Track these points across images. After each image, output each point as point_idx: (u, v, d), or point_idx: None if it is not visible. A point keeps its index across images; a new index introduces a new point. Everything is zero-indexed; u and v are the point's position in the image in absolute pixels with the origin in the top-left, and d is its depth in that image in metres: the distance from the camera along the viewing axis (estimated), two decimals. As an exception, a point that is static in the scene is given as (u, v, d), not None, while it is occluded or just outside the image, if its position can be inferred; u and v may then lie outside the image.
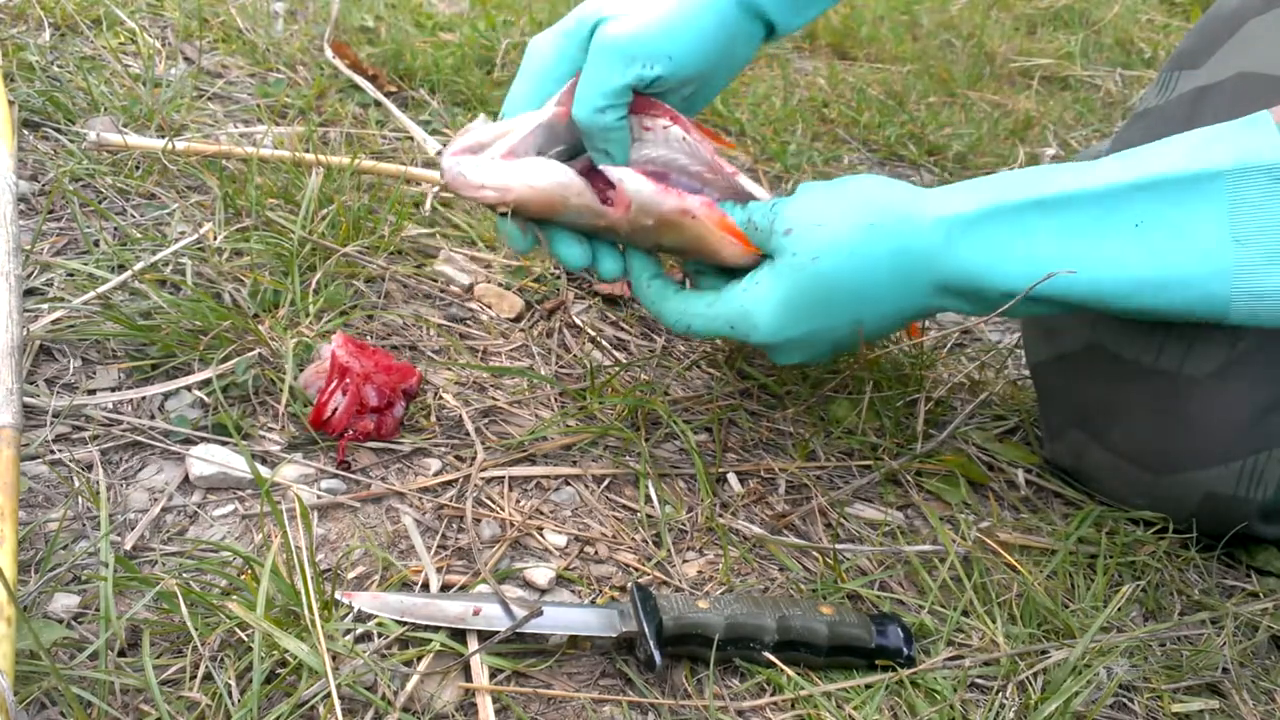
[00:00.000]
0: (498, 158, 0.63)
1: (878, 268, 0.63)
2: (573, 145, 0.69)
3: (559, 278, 0.89)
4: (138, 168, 0.87)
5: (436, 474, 0.67)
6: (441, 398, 0.73)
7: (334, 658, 0.51)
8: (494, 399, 0.74)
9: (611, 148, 0.67)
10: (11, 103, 0.87)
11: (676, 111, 0.69)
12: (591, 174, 0.68)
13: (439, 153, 0.66)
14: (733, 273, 0.69)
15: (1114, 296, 0.61)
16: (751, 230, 0.67)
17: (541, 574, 0.61)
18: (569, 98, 0.67)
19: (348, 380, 0.66)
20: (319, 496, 0.63)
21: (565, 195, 0.65)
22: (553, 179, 0.64)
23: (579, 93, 0.66)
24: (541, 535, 0.64)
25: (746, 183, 0.71)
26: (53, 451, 0.62)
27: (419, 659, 0.53)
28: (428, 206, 0.94)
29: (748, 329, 0.66)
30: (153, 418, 0.66)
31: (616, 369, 0.79)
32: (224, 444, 0.64)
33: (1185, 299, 0.60)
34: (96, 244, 0.77)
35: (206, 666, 0.50)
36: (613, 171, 0.66)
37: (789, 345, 0.67)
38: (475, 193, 0.64)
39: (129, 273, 0.72)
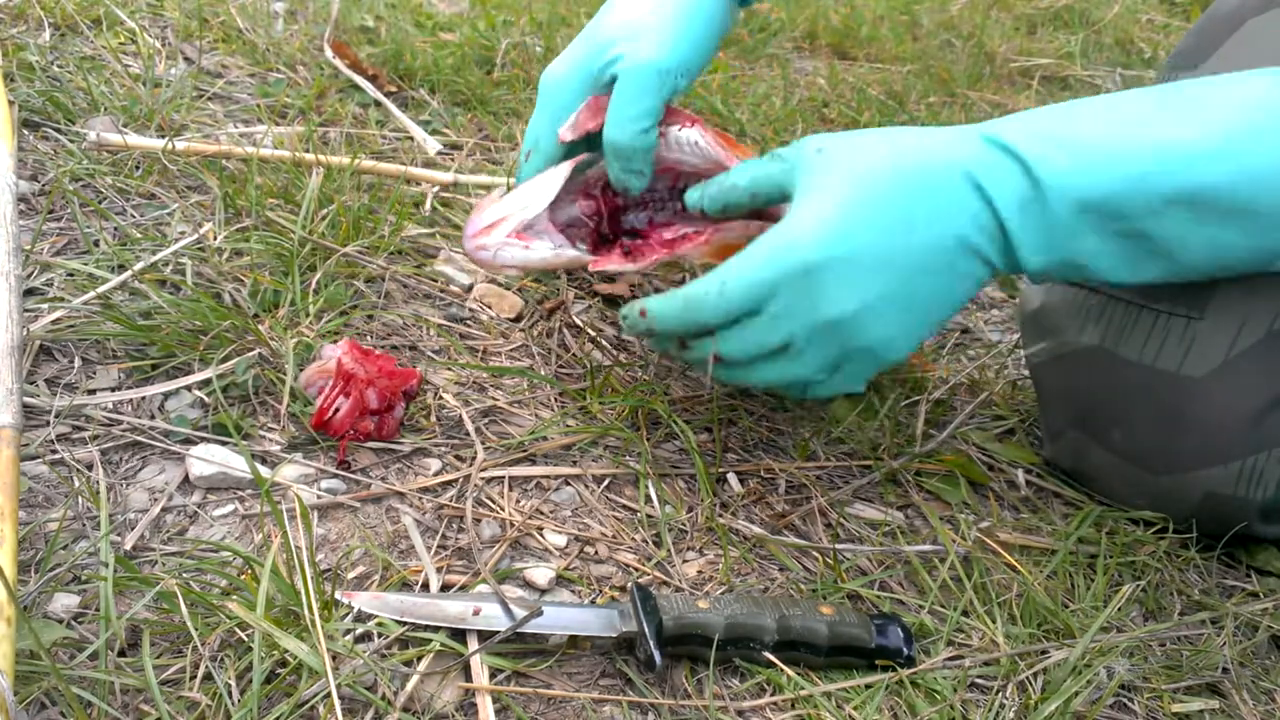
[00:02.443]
0: (513, 238, 0.69)
1: (926, 164, 0.60)
2: (585, 164, 0.74)
3: (559, 278, 0.89)
4: (138, 168, 0.87)
5: (436, 474, 0.67)
6: (441, 398, 0.73)
7: (334, 658, 0.51)
8: (494, 399, 0.74)
9: (643, 164, 0.71)
10: (11, 103, 0.87)
11: (694, 115, 0.74)
12: (598, 215, 0.75)
13: (466, 234, 0.72)
14: None
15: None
16: (770, 172, 0.64)
17: (541, 574, 0.61)
18: (589, 121, 0.71)
19: (350, 385, 0.66)
20: (319, 496, 0.63)
21: (573, 265, 0.72)
22: (562, 259, 0.70)
23: (615, 117, 0.69)
24: (541, 535, 0.64)
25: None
26: (53, 451, 0.62)
27: (419, 659, 0.53)
28: (428, 206, 0.94)
29: (794, 260, 0.58)
30: (153, 418, 0.66)
31: (615, 368, 0.79)
32: (224, 444, 0.64)
33: None
34: (96, 244, 0.77)
35: (206, 666, 0.50)
36: (604, 269, 0.71)
37: (857, 275, 0.58)
38: (497, 271, 0.75)
39: (129, 273, 0.72)
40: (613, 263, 0.71)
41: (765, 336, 0.61)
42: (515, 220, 0.70)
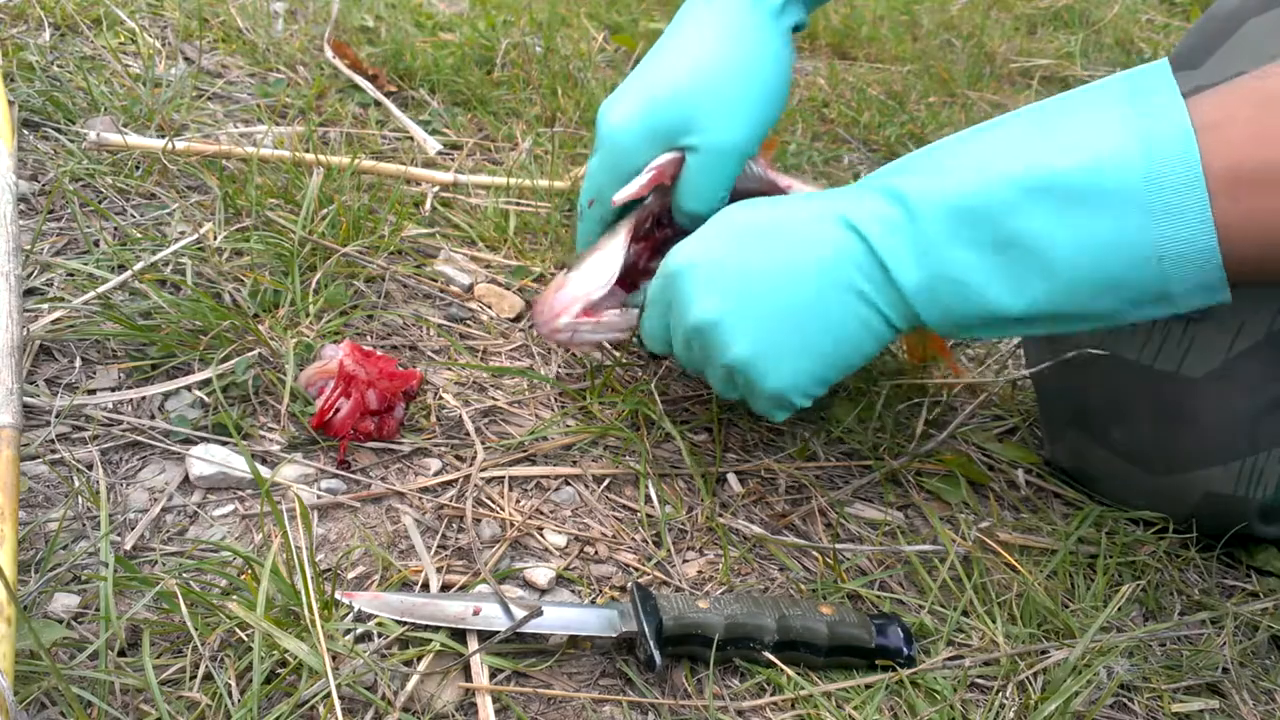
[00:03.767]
0: (583, 318, 0.72)
1: (792, 205, 0.62)
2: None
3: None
4: (138, 168, 0.87)
5: (436, 474, 0.67)
6: (441, 398, 0.73)
7: (334, 658, 0.51)
8: (494, 399, 0.74)
9: (707, 219, 0.72)
10: (11, 103, 0.87)
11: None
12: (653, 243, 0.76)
13: (530, 304, 0.76)
14: None
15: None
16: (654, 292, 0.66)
17: (541, 574, 0.61)
18: (652, 185, 0.71)
19: (351, 387, 0.66)
20: (319, 496, 0.63)
21: (631, 328, 0.74)
22: (629, 325, 0.73)
23: (697, 192, 0.71)
24: (541, 535, 0.64)
25: (799, 187, 0.78)
26: (53, 451, 0.62)
27: (419, 659, 0.53)
28: (428, 206, 0.94)
29: (673, 290, 0.62)
30: (153, 418, 0.66)
31: (615, 368, 0.79)
32: (224, 444, 0.64)
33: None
34: (96, 244, 0.77)
35: (206, 666, 0.50)
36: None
37: (735, 319, 0.60)
38: (578, 350, 0.80)
39: (129, 273, 0.72)
40: None
41: (657, 331, 0.67)
42: (582, 303, 0.71)
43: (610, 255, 0.72)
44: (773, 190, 0.77)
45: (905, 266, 0.57)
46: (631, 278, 0.75)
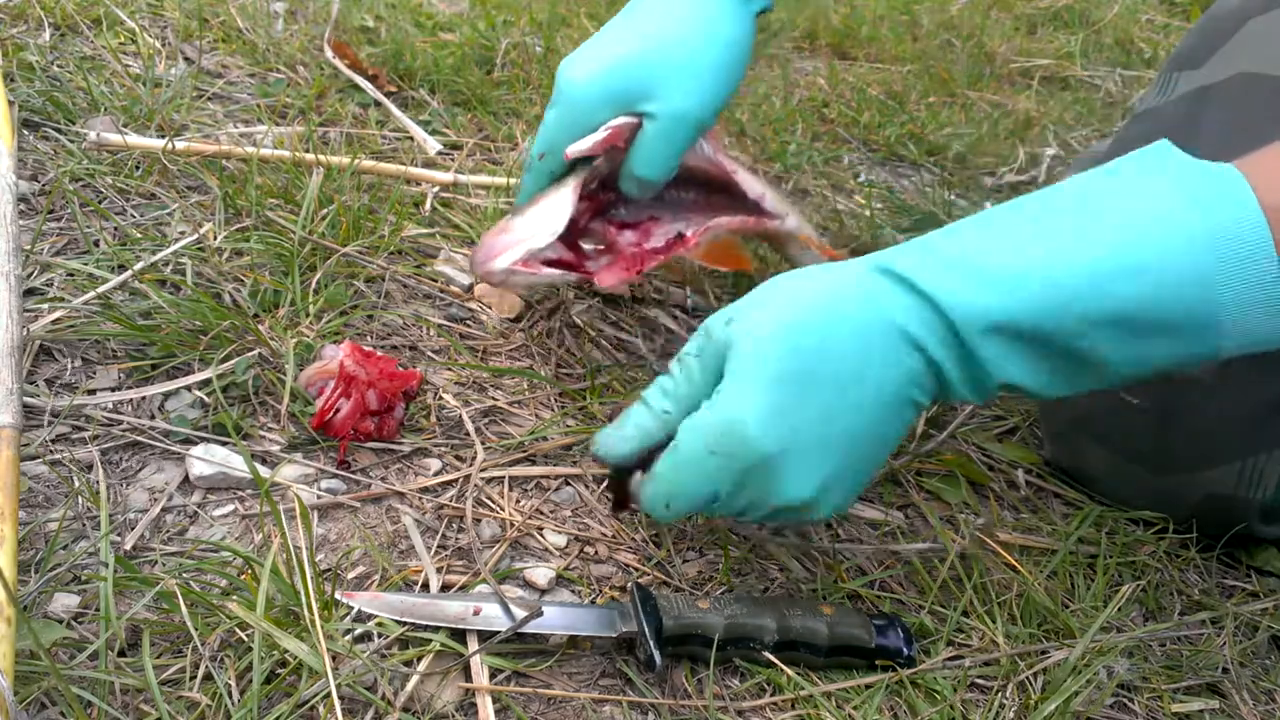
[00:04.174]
0: (520, 266, 0.72)
1: (844, 298, 0.53)
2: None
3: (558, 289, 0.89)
4: (138, 168, 0.87)
5: (436, 474, 0.67)
6: (441, 398, 0.73)
7: (334, 658, 0.51)
8: (494, 399, 0.74)
9: (658, 189, 0.73)
10: (11, 103, 0.87)
11: None
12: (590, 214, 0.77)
13: (473, 249, 0.76)
14: None
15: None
16: (704, 349, 0.56)
17: (541, 574, 0.61)
18: (606, 144, 0.71)
19: (352, 388, 0.66)
20: (319, 496, 0.63)
21: (578, 281, 0.76)
22: (559, 279, 0.74)
23: (649, 158, 0.71)
24: (541, 535, 0.64)
25: (746, 177, 0.79)
26: (53, 451, 0.62)
27: (419, 659, 0.53)
28: (428, 206, 0.94)
29: (736, 442, 0.52)
30: (153, 418, 0.66)
31: (615, 367, 0.79)
32: (224, 444, 0.64)
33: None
34: (96, 244, 0.77)
35: (206, 666, 0.50)
36: (602, 282, 0.74)
37: (799, 459, 0.53)
38: (506, 290, 0.80)
39: (129, 273, 0.72)
40: (615, 274, 0.74)
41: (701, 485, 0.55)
42: (524, 249, 0.72)
43: (558, 206, 0.73)
44: (718, 172, 0.78)
45: (965, 383, 0.53)
46: (573, 235, 0.75)
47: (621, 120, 0.71)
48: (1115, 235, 0.49)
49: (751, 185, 0.79)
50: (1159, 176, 0.50)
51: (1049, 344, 0.51)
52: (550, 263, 0.73)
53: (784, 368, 0.52)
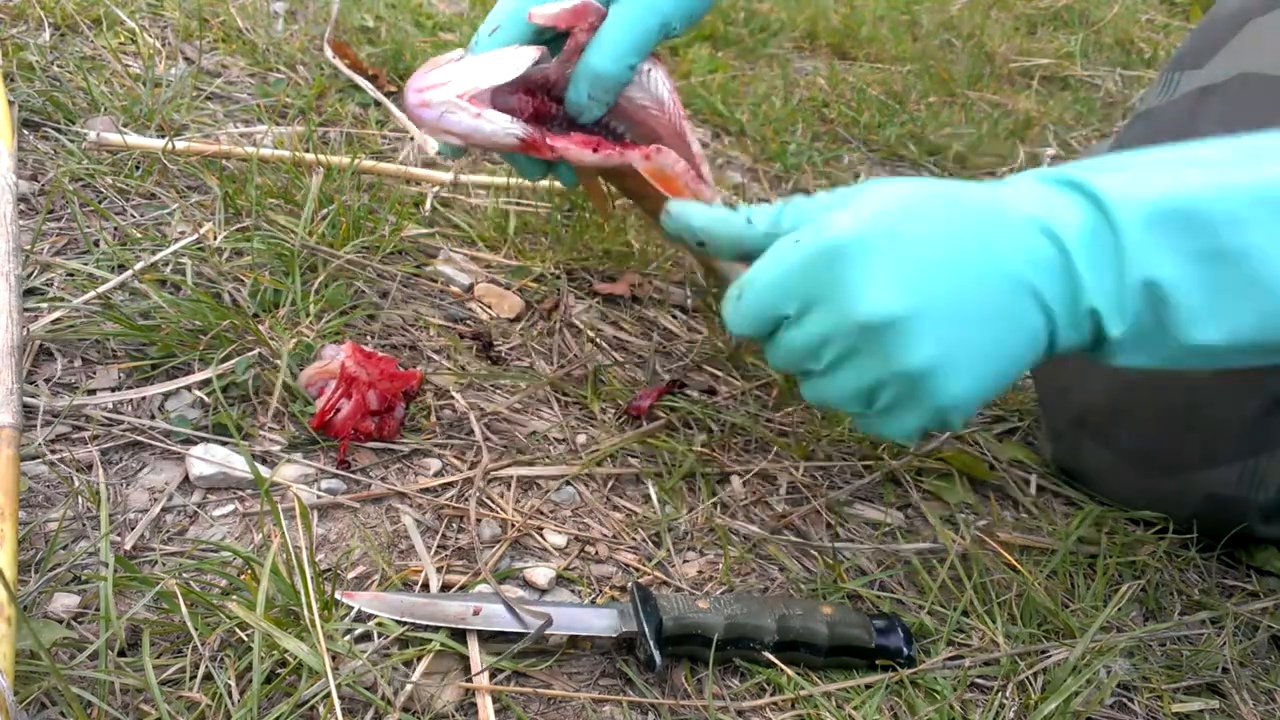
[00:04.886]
0: (464, 100, 0.63)
1: (974, 197, 0.52)
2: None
3: (559, 278, 0.89)
4: (138, 168, 0.87)
5: (437, 474, 0.67)
6: (441, 398, 0.73)
7: (334, 658, 0.51)
8: (494, 399, 0.74)
9: (611, 96, 0.67)
10: (11, 103, 0.87)
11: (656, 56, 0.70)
12: (539, 116, 0.68)
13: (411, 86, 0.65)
14: None
15: None
16: (758, 229, 0.56)
17: (541, 574, 0.61)
18: (569, 19, 0.65)
19: (352, 388, 0.66)
20: (319, 496, 0.63)
21: (520, 148, 0.65)
22: (515, 135, 0.64)
23: (607, 48, 0.66)
24: (542, 535, 0.64)
25: (689, 131, 0.71)
26: (53, 451, 0.62)
27: (419, 659, 0.53)
28: (428, 206, 0.94)
29: (829, 249, 0.50)
30: (153, 418, 0.66)
31: (615, 367, 0.79)
32: (224, 444, 0.64)
33: None
34: (96, 244, 0.77)
35: (206, 666, 0.50)
36: (557, 144, 0.65)
37: (927, 333, 0.50)
38: (436, 136, 0.66)
39: (129, 273, 0.72)
40: (573, 145, 0.66)
41: (764, 309, 0.54)
42: (470, 84, 0.63)
43: (515, 55, 0.65)
44: (665, 121, 0.70)
45: (1102, 281, 0.49)
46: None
47: (587, 4, 0.66)
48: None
49: (694, 144, 0.72)
50: None
51: (1210, 235, 0.48)
52: (503, 109, 0.64)
53: (900, 219, 0.50)
